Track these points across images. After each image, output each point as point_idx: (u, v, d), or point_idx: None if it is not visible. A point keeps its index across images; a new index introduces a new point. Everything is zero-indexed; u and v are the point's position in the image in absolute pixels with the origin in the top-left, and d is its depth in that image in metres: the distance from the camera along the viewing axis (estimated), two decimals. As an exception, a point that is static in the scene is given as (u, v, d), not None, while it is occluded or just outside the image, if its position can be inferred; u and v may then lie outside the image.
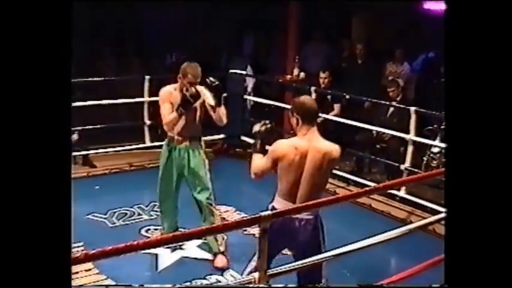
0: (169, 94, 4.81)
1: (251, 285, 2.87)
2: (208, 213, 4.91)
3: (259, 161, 3.70)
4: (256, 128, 3.83)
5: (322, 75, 7.79)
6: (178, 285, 4.31)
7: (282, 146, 3.58)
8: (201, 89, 4.72)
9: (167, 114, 4.76)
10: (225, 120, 4.82)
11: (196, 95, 4.64)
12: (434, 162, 6.68)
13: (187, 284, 4.53)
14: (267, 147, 3.71)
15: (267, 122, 3.86)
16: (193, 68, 4.73)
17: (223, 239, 4.97)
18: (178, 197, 5.12)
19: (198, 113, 4.87)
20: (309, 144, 3.55)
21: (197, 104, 4.74)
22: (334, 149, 3.60)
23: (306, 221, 3.56)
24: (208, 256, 4.98)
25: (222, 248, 4.93)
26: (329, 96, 7.73)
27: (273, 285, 2.95)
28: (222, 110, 4.74)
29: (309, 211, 3.51)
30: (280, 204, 3.57)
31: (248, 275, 3.41)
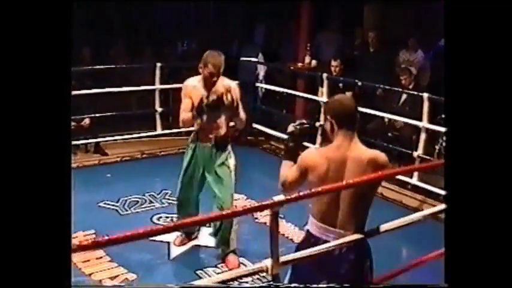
0: (192, 88, 4.48)
1: (252, 286, 2.85)
2: (226, 223, 4.62)
3: (287, 170, 3.10)
4: (291, 128, 3.19)
5: (333, 63, 7.78)
6: (175, 285, 4.32)
7: (311, 156, 3.01)
8: (231, 87, 4.42)
9: (183, 111, 4.46)
10: (244, 124, 4.62)
11: (216, 103, 4.32)
12: (447, 150, 6.63)
13: (200, 272, 4.54)
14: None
15: (305, 121, 3.25)
16: (214, 57, 4.39)
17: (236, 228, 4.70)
18: (200, 194, 4.89)
19: (222, 116, 4.53)
20: (346, 154, 2.94)
21: (222, 107, 4.39)
22: (379, 156, 2.98)
23: (347, 248, 2.98)
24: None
25: (234, 245, 4.71)
26: (341, 84, 7.71)
27: (274, 284, 2.87)
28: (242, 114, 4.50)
29: (347, 236, 2.96)
30: (317, 228, 3.01)
31: None
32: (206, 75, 4.41)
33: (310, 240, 3.03)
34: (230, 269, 4.50)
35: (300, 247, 3.05)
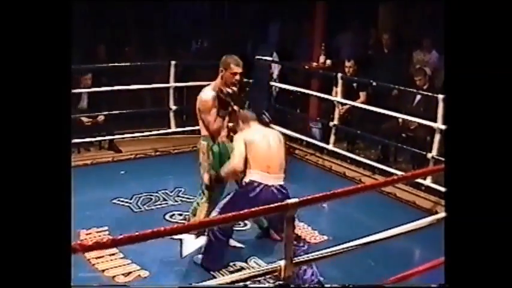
0: (214, 99, 4.69)
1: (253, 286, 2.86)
2: None
3: (233, 156, 4.39)
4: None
5: (347, 63, 7.75)
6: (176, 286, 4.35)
7: (243, 132, 4.43)
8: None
9: (213, 121, 4.68)
10: None
11: (233, 94, 4.64)
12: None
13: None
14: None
15: None
16: (235, 59, 4.68)
17: None
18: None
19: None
20: (262, 128, 4.47)
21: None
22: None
23: (279, 187, 4.23)
24: (233, 242, 4.99)
25: None
26: (355, 84, 7.69)
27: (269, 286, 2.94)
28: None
29: (280, 178, 4.28)
30: (256, 175, 4.24)
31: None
32: (229, 76, 4.64)
33: (254, 185, 4.22)
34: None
35: (243, 193, 4.29)
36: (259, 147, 4.27)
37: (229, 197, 4.47)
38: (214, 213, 4.44)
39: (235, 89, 4.63)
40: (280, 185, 4.27)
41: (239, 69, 4.65)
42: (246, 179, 4.30)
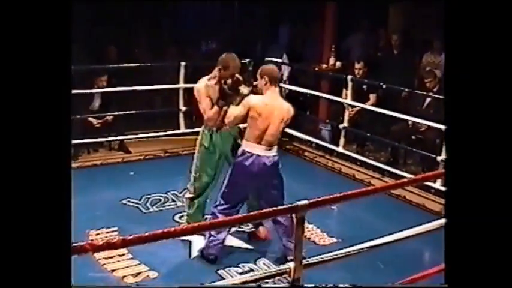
0: (207, 88, 4.79)
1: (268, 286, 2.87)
2: None
3: (233, 110, 4.57)
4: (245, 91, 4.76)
5: (357, 65, 7.74)
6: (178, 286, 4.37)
7: (255, 100, 4.51)
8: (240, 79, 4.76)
9: (208, 109, 4.77)
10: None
11: (235, 86, 4.70)
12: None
13: (221, 271, 4.56)
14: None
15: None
16: (234, 60, 4.75)
17: None
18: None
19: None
20: (274, 102, 4.52)
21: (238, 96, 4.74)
22: (291, 107, 4.64)
23: (273, 158, 4.53)
24: (242, 244, 4.99)
25: None
26: (365, 86, 7.68)
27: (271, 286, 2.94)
28: None
29: (271, 151, 4.52)
30: (249, 146, 4.49)
31: None
32: (225, 76, 4.73)
33: (245, 155, 4.50)
34: (263, 239, 5.05)
35: (238, 162, 4.54)
36: (259, 124, 4.45)
37: (228, 176, 4.68)
38: (220, 193, 4.68)
39: (237, 78, 4.74)
40: (271, 156, 4.54)
41: (235, 71, 4.73)
42: (240, 150, 4.57)
